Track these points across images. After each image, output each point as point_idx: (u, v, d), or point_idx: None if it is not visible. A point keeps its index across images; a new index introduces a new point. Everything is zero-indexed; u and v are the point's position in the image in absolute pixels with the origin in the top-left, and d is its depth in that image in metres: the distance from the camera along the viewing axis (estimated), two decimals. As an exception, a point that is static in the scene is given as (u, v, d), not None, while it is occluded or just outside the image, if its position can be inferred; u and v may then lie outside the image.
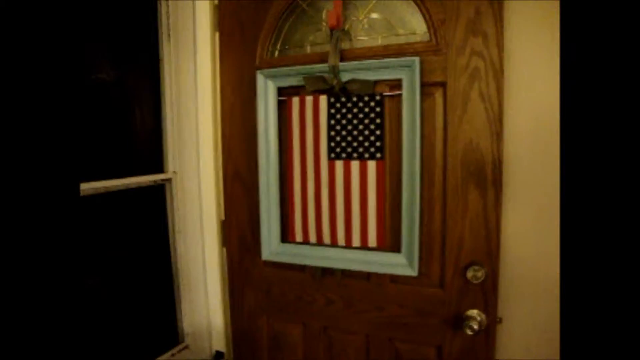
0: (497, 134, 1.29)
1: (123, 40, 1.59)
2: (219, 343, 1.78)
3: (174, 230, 1.73)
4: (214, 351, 1.78)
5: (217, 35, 1.64)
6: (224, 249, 1.73)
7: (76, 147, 0.75)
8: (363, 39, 1.44)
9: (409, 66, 1.31)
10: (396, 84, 1.37)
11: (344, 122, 1.40)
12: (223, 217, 1.71)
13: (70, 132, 0.74)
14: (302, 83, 1.46)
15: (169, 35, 1.65)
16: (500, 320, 1.38)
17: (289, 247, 1.55)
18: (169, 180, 1.69)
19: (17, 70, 0.67)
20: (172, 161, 1.70)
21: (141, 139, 1.69)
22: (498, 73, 1.28)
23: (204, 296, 1.75)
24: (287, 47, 1.55)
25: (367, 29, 1.43)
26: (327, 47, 1.45)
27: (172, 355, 1.69)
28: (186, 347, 1.76)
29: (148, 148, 1.70)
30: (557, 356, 1.35)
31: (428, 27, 1.35)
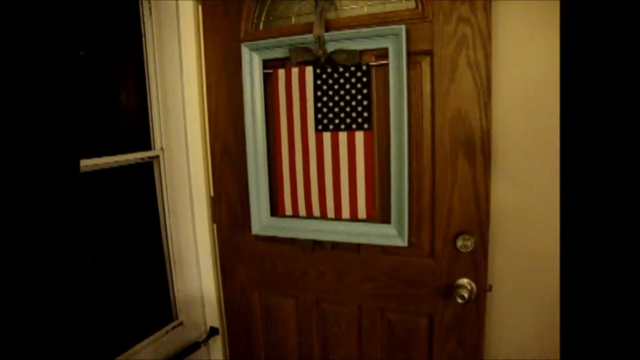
0: (485, 102, 1.28)
1: (103, 16, 1.55)
2: (213, 319, 1.79)
3: (164, 208, 1.72)
4: (208, 327, 1.79)
5: (200, 8, 1.61)
6: (215, 226, 1.73)
7: (76, 123, 0.74)
8: (349, 8, 1.41)
9: (395, 34, 1.29)
10: (383, 54, 1.34)
11: (330, 93, 1.39)
12: (212, 194, 1.70)
13: (70, 108, 0.73)
14: (287, 55, 1.43)
15: (150, 9, 1.61)
16: (490, 288, 1.39)
17: (278, 221, 1.55)
18: (156, 157, 1.68)
19: (20, 45, 0.66)
20: (159, 138, 1.68)
21: (127, 116, 1.67)
22: (486, 40, 1.26)
23: (197, 273, 1.75)
24: (271, 18, 1.52)
25: (353, -3, 1.41)
26: (313, 18, 1.42)
27: (167, 332, 1.70)
28: (180, 324, 1.77)
29: (134, 125, 1.68)
30: (546, 322, 1.37)
31: (414, -6, 1.32)
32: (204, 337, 1.75)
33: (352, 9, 1.40)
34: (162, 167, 1.69)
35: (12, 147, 0.65)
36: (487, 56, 1.26)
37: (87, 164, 1.41)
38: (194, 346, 1.71)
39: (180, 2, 1.58)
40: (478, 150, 1.30)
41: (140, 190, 1.71)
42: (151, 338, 1.63)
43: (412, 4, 1.33)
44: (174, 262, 1.76)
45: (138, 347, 1.57)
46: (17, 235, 0.66)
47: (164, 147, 1.68)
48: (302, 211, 1.50)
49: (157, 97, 1.65)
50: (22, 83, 0.67)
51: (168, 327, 1.71)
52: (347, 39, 1.35)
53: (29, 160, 0.68)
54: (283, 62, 1.47)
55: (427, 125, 1.35)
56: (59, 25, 0.72)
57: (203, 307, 1.78)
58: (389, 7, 1.36)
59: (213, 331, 1.78)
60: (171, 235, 1.74)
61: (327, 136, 1.41)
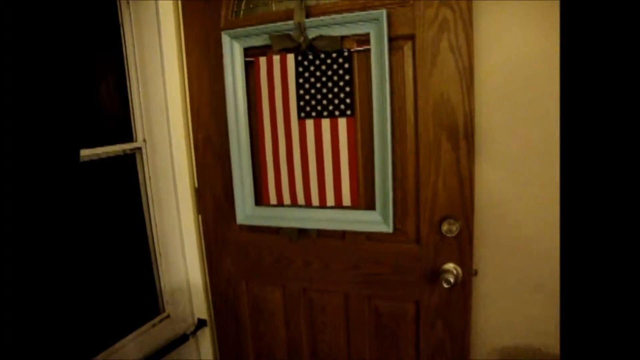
0: (468, 87, 1.28)
1: (79, 6, 1.51)
2: (201, 310, 1.78)
3: (148, 200, 1.70)
4: (196, 319, 1.79)
5: (179, -4, 1.58)
6: (200, 217, 1.71)
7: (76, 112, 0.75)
8: (329, -6, 1.39)
9: (376, 19, 1.28)
10: (364, 39, 1.33)
11: (312, 80, 1.37)
12: (197, 185, 1.69)
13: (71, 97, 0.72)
14: (268, 42, 1.42)
15: (127, -2, 1.58)
16: (476, 273, 1.39)
17: (263, 210, 1.54)
18: (139, 149, 1.65)
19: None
20: (140, 130, 1.65)
21: (106, 107, 1.64)
22: (467, 23, 1.25)
23: (183, 265, 1.74)
24: (251, 6, 1.51)
25: (333, -18, 1.39)
26: (293, 4, 1.40)
27: (153, 325, 1.68)
28: (167, 317, 1.75)
29: (114, 117, 1.65)
30: (533, 306, 1.38)
31: (395, -22, 1.31)
32: (191, 329, 1.74)
33: (333, -6, 1.39)
34: (144, 159, 1.67)
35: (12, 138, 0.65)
36: (469, 40, 1.26)
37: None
38: (182, 339, 1.70)
39: (158, -10, 1.55)
40: (461, 134, 1.30)
41: (123, 182, 1.69)
42: (137, 332, 1.61)
43: (393, -12, 1.32)
44: (160, 255, 1.74)
45: (124, 341, 1.55)
46: (14, 230, 0.65)
47: (146, 138, 1.66)
48: (286, 200, 1.49)
49: (138, 88, 1.63)
50: (23, 76, 0.66)
51: (155, 321, 1.70)
52: (328, 25, 1.34)
53: (27, 152, 0.67)
54: (264, 50, 1.45)
55: (410, 110, 1.34)
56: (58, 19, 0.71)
57: (190, 299, 1.77)
58: (370, -8, 1.34)
59: (201, 323, 1.77)
60: (156, 227, 1.72)
61: (310, 123, 1.40)
